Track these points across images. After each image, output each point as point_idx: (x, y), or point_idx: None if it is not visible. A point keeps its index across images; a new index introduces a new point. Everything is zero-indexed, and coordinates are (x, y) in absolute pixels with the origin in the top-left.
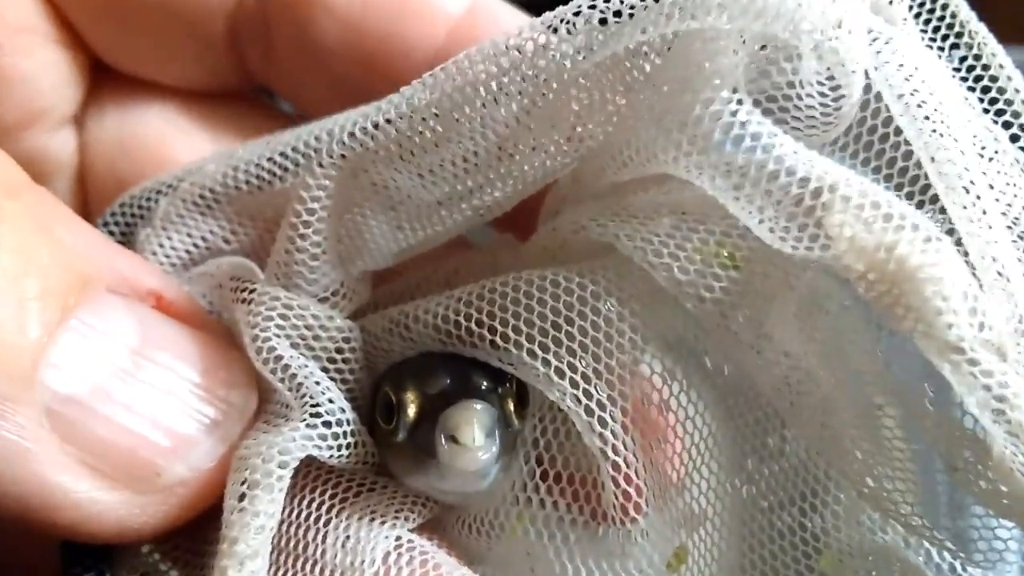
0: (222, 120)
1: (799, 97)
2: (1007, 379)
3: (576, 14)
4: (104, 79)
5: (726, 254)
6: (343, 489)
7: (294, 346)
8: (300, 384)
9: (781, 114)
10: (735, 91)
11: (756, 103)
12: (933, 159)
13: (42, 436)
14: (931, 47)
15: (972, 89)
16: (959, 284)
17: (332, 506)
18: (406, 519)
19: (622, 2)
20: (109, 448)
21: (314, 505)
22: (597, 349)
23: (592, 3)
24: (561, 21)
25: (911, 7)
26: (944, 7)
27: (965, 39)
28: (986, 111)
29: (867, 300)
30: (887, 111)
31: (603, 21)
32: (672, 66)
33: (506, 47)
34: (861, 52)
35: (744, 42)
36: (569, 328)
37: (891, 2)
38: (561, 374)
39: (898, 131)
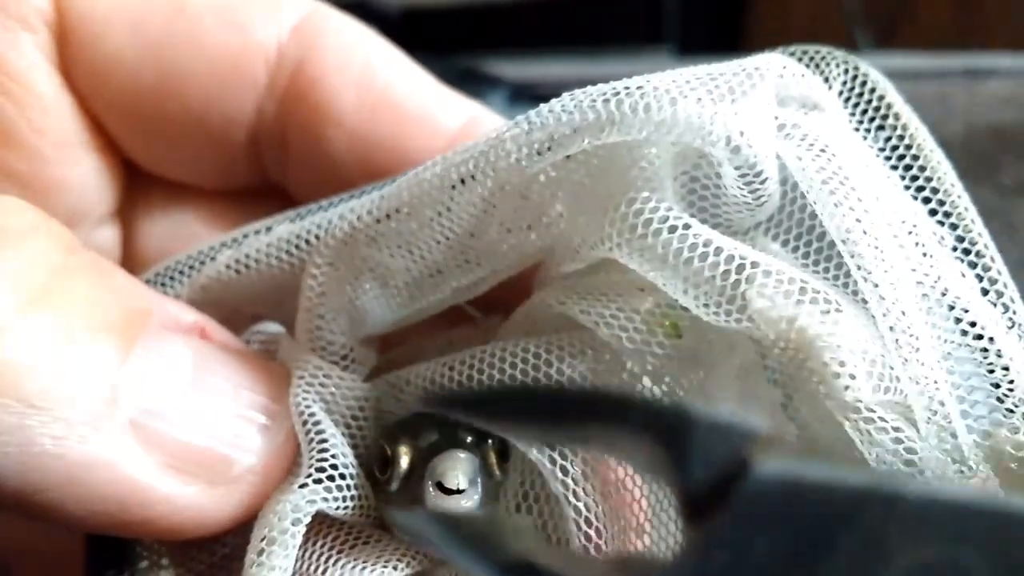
0: (255, 215)
1: (725, 196)
2: (902, 435)
3: (516, 126)
4: (149, 177)
5: (667, 324)
6: (340, 541)
7: (320, 407)
8: (312, 439)
9: (713, 209)
10: (655, 190)
11: (691, 202)
12: (845, 240)
13: (128, 445)
14: (858, 129)
15: (895, 167)
16: (857, 350)
17: (329, 556)
18: (395, 568)
19: (552, 119)
20: (186, 449)
21: (314, 556)
22: None
23: (536, 117)
24: (504, 132)
25: (841, 92)
26: (872, 91)
27: (890, 121)
28: (907, 187)
29: (781, 365)
30: (803, 197)
31: (538, 131)
32: (606, 165)
33: (461, 155)
34: (769, 154)
35: (673, 144)
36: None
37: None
38: None
39: (814, 215)
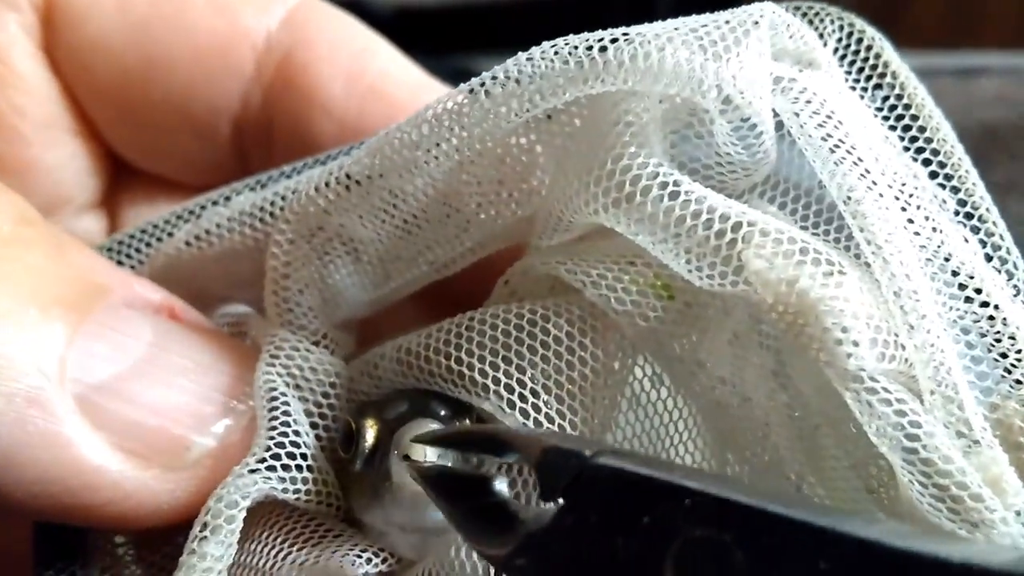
0: None
1: (718, 155)
2: (905, 407)
3: (494, 78)
4: (136, 172)
5: (660, 284)
6: (295, 534)
7: (285, 382)
8: (269, 417)
9: (705, 171)
10: (642, 145)
11: (681, 163)
12: (847, 200)
13: (75, 422)
14: (854, 88)
15: (893, 128)
16: (861, 316)
17: (280, 550)
18: (354, 563)
19: (533, 69)
20: (139, 429)
21: (261, 548)
22: (547, 367)
23: (507, 70)
24: (480, 84)
25: (836, 50)
26: (868, 48)
27: (888, 79)
28: (906, 149)
29: (777, 330)
30: (800, 157)
31: (518, 82)
32: (590, 124)
33: (435, 109)
34: (765, 107)
35: (661, 101)
36: (519, 348)
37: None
38: (511, 389)
39: (812, 175)
